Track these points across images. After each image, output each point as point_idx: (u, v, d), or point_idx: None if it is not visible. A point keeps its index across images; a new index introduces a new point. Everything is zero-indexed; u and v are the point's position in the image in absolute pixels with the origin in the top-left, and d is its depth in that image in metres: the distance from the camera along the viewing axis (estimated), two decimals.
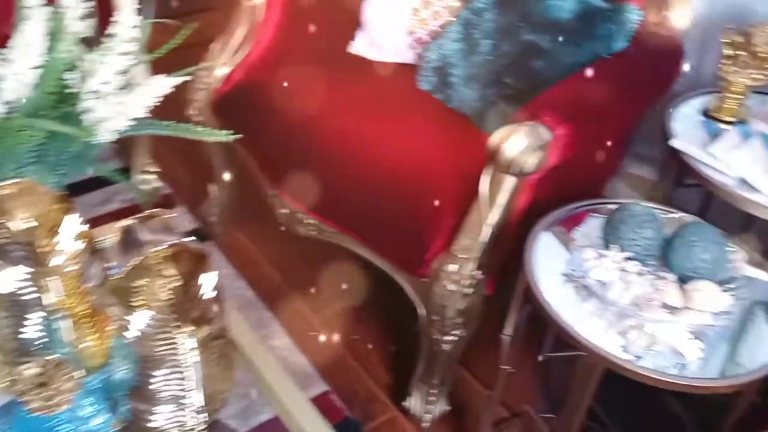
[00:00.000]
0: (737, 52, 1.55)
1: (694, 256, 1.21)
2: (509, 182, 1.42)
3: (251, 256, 2.04)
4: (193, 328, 0.91)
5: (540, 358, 1.54)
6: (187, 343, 0.91)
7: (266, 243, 2.04)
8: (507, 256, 1.51)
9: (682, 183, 1.64)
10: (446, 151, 1.61)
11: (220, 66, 1.83)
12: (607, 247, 1.29)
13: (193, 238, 1.01)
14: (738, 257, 1.28)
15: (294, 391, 1.19)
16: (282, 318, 1.88)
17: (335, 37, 1.92)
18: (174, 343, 0.91)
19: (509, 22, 1.72)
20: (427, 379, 1.64)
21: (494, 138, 1.39)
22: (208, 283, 0.92)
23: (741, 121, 1.61)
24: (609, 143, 1.65)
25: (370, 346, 1.84)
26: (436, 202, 1.52)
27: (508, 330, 1.46)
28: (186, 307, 0.91)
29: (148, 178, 2.07)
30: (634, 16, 1.62)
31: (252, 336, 1.25)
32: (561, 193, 1.58)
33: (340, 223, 1.66)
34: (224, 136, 1.28)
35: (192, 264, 0.91)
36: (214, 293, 0.93)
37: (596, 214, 1.42)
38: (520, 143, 1.36)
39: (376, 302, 1.89)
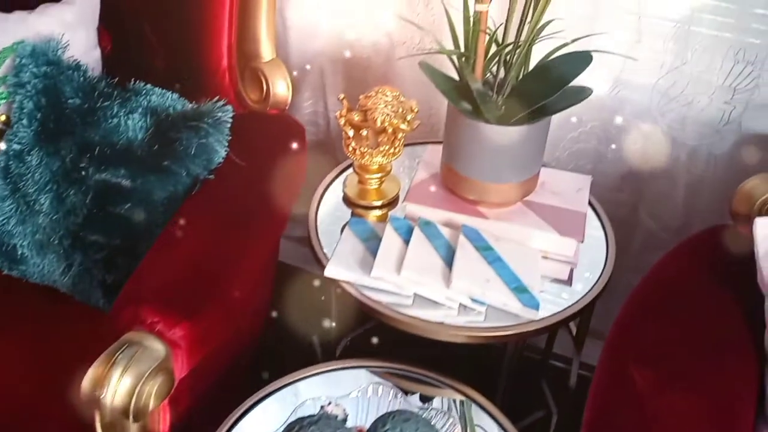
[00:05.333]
0: (358, 130, 1.24)
1: None
2: (132, 429, 0.98)
3: None
4: None
5: None
6: None
7: None
8: None
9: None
10: (51, 388, 1.12)
11: None
12: None
13: None
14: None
15: None
16: None
17: None
18: None
19: (65, 163, 1.25)
20: None
21: (86, 386, 0.94)
22: None
23: (390, 203, 1.32)
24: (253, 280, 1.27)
25: None
26: None
27: None
28: None
29: None
30: (223, 114, 1.23)
31: None
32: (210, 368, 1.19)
33: None
34: None
35: None
36: None
37: None
38: (122, 386, 0.92)
39: None
